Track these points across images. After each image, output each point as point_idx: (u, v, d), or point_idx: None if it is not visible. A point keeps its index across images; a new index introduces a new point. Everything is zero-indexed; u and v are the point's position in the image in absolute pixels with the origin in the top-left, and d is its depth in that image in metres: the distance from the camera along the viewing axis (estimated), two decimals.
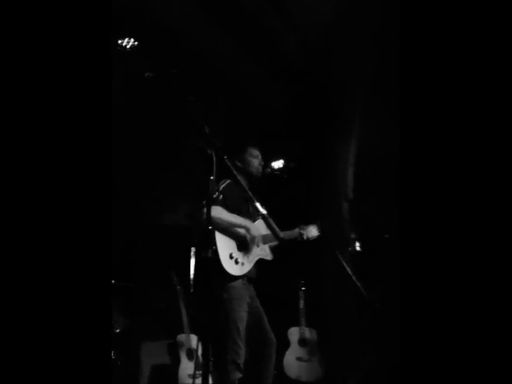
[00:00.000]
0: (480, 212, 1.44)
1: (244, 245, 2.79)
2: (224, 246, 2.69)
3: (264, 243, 2.91)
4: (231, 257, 2.69)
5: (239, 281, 2.72)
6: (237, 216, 2.78)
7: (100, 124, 1.52)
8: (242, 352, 2.60)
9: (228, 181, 2.83)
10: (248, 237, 2.77)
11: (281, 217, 2.92)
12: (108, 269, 1.51)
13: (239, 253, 2.75)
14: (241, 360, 2.58)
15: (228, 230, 2.73)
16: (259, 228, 2.86)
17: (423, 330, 1.47)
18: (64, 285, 1.41)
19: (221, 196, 2.73)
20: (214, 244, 2.62)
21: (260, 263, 2.91)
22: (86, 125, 1.49)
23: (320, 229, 3.09)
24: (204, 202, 2.67)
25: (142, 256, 4.81)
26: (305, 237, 3.01)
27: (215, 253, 2.59)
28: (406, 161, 1.57)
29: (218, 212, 2.64)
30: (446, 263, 1.46)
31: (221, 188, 2.78)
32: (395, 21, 1.82)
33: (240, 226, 2.77)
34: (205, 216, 2.57)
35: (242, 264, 2.74)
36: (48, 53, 1.46)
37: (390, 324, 3.51)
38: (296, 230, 3.03)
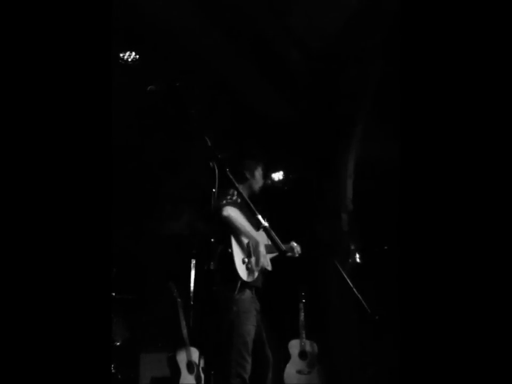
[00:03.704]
0: (480, 224, 1.44)
1: (254, 250, 2.78)
2: (238, 250, 2.70)
3: (266, 253, 2.91)
4: (243, 261, 2.71)
5: (248, 295, 2.72)
6: (250, 225, 2.78)
7: (101, 133, 1.53)
8: (249, 366, 2.57)
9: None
10: (252, 246, 2.77)
11: (281, 228, 2.94)
12: (107, 281, 1.51)
13: (249, 259, 2.75)
14: (247, 374, 2.55)
15: (242, 235, 2.73)
16: (262, 237, 2.87)
17: (423, 342, 1.46)
18: (63, 297, 1.41)
19: (239, 199, 2.72)
20: (230, 247, 2.63)
21: (262, 274, 2.91)
22: (87, 134, 1.50)
23: (301, 247, 3.06)
24: (224, 202, 2.67)
25: (142, 268, 4.80)
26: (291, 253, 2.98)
27: (230, 256, 2.59)
28: (405, 172, 1.57)
29: (236, 214, 2.66)
30: (445, 274, 1.46)
31: (235, 192, 2.75)
32: (398, 33, 1.84)
33: (249, 237, 2.76)
34: (224, 216, 2.60)
35: (253, 271, 2.74)
36: (49, 65, 1.48)
37: (390, 335, 3.50)
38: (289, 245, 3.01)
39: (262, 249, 2.79)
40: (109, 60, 1.61)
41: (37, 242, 1.40)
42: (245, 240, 2.77)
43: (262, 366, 2.71)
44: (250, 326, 2.65)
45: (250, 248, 2.76)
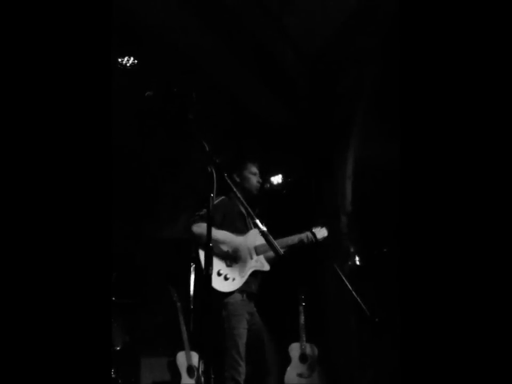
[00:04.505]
0: (480, 225, 1.43)
1: (234, 258, 2.77)
2: (214, 262, 2.67)
3: (258, 254, 2.89)
4: (219, 274, 2.69)
5: (237, 298, 2.71)
6: (224, 232, 2.78)
7: (101, 136, 1.53)
8: (242, 369, 2.58)
9: (222, 198, 2.85)
10: (231, 252, 2.76)
11: (280, 231, 2.93)
12: (108, 284, 1.51)
13: (228, 268, 2.74)
14: (241, 378, 2.56)
15: (216, 246, 2.71)
16: (252, 238, 2.86)
17: (423, 344, 1.46)
18: (63, 302, 1.41)
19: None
20: (200, 261, 2.65)
21: (260, 277, 2.89)
22: (87, 136, 1.50)
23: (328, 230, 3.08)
24: (191, 219, 2.72)
25: (142, 272, 4.80)
26: (308, 239, 2.96)
27: (201, 271, 2.59)
28: (405, 173, 1.57)
29: (201, 229, 2.64)
30: (445, 277, 1.45)
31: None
32: (396, 34, 1.84)
33: (224, 243, 2.76)
34: (193, 232, 2.67)
35: (233, 279, 2.73)
36: (52, 69, 1.48)
37: (390, 338, 3.49)
38: (301, 235, 2.99)
39: (244, 253, 2.78)
40: (109, 64, 1.61)
41: (37, 244, 1.40)
42: (223, 250, 2.76)
43: (261, 368, 2.71)
44: (241, 330, 2.66)
45: (234, 254, 2.75)
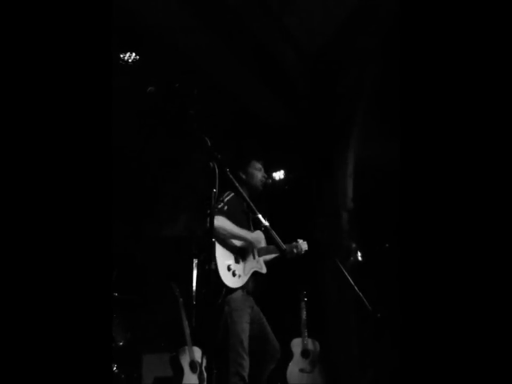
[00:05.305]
0: (480, 222, 1.44)
1: (242, 255, 2.80)
2: (223, 257, 2.71)
3: (259, 256, 2.93)
4: (228, 269, 2.71)
5: (239, 293, 2.73)
6: (240, 228, 2.81)
7: (100, 136, 1.53)
8: (247, 363, 2.59)
9: (232, 194, 2.86)
10: (250, 247, 2.79)
11: (282, 227, 2.95)
12: (108, 281, 1.52)
13: (236, 265, 2.76)
14: (245, 372, 2.57)
15: (229, 241, 2.75)
16: (256, 239, 2.90)
17: (424, 340, 1.47)
18: (64, 298, 1.42)
19: (226, 207, 2.75)
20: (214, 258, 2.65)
21: (259, 276, 2.92)
22: (87, 135, 1.51)
23: (308, 244, 3.08)
24: (208, 212, 2.72)
25: (144, 268, 4.81)
26: (295, 251, 2.98)
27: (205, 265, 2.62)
28: (406, 170, 1.58)
29: (221, 222, 2.67)
30: (447, 273, 1.46)
31: (225, 199, 2.81)
32: (396, 34, 1.85)
33: (242, 239, 2.79)
34: (207, 226, 2.65)
35: (239, 276, 2.76)
36: (51, 66, 1.49)
37: (391, 334, 3.51)
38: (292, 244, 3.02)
39: (250, 252, 2.80)
40: (110, 61, 1.62)
41: (37, 242, 1.41)
42: (236, 245, 2.78)
43: (261, 360, 2.73)
44: (244, 324, 2.67)
45: (242, 252, 2.77)
